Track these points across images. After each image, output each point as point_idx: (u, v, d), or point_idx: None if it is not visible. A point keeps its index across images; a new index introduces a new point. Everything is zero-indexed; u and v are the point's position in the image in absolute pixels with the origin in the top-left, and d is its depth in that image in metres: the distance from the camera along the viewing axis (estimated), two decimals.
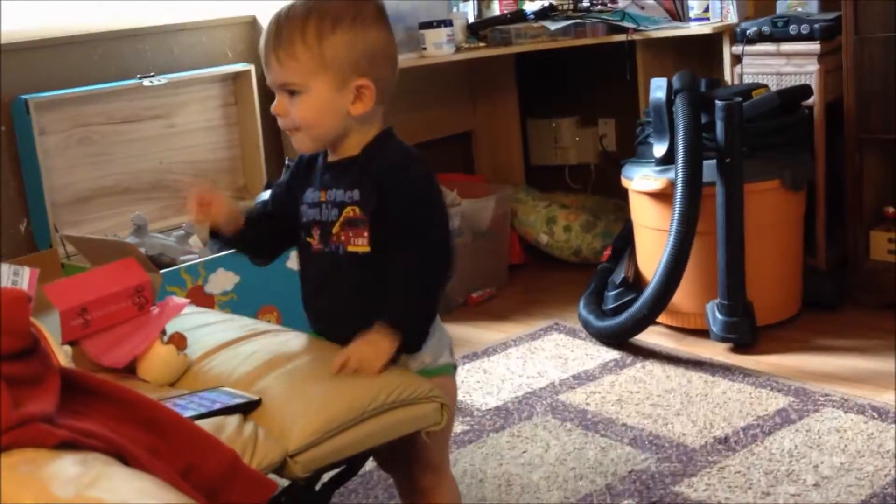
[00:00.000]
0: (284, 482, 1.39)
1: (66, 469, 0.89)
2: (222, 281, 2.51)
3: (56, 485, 0.86)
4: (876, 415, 2.09)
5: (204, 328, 1.72)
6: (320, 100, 1.42)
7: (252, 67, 2.92)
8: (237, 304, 2.51)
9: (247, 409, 1.42)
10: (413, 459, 1.56)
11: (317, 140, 1.47)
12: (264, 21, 3.04)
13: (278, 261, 2.58)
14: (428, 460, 1.56)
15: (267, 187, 2.84)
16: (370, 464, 2.01)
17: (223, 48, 3.01)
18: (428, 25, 2.90)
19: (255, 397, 1.43)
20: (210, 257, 2.53)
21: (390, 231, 1.43)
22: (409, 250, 1.43)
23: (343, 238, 1.45)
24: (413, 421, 1.50)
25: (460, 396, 2.40)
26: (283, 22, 1.42)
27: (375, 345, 1.44)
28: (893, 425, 2.03)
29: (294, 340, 1.63)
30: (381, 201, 1.43)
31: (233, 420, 1.36)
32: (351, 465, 1.54)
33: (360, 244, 1.45)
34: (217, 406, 1.41)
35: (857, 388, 2.24)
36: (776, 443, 2.04)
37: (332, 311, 1.54)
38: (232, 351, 1.60)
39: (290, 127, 1.45)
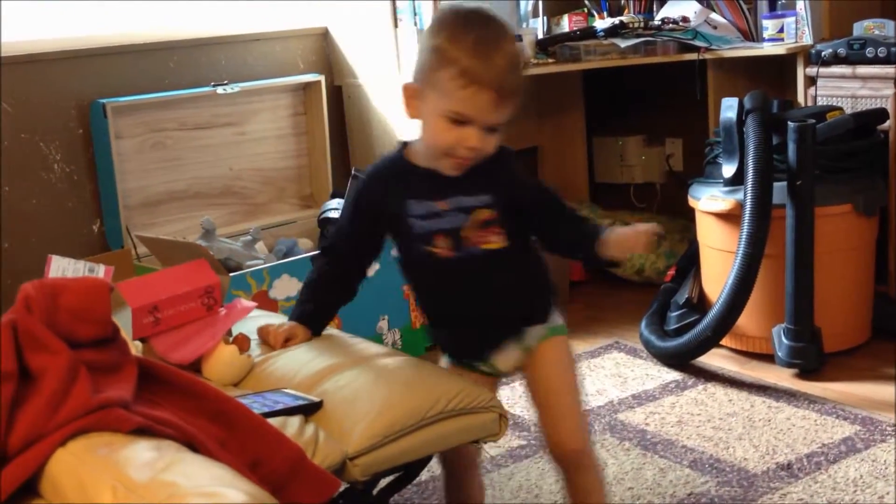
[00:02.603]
0: (343, 485, 1.40)
1: (142, 454, 0.91)
2: (286, 287, 2.54)
3: (132, 468, 0.88)
4: None
5: None
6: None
7: (322, 78, 2.96)
8: None
9: (308, 410, 1.44)
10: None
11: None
12: (336, 32, 3.13)
13: None
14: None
15: (333, 196, 2.87)
16: (426, 473, 2.01)
17: (295, 58, 3.06)
18: None
19: (317, 399, 1.45)
20: (275, 263, 2.57)
21: (522, 219, 1.54)
22: (562, 210, 1.59)
23: (475, 240, 1.51)
24: (472, 430, 1.50)
25: (519, 411, 2.39)
26: (509, 66, 1.43)
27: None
28: None
29: (357, 345, 1.65)
30: (508, 194, 1.52)
31: (294, 421, 1.38)
32: (408, 471, 1.55)
33: (493, 241, 1.52)
34: (279, 407, 1.42)
35: None
36: (841, 472, 1.99)
37: (479, 309, 1.57)
38: (295, 354, 1.62)
39: (473, 157, 1.47)
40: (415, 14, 2.85)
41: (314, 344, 1.65)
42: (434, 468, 2.08)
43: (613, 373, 2.62)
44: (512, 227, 1.53)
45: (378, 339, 2.73)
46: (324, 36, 3.12)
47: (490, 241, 1.52)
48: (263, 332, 1.65)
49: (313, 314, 1.64)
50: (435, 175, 1.50)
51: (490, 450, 2.15)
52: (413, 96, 1.48)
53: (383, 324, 2.75)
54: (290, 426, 1.36)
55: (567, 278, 3.26)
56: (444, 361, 1.67)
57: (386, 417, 1.40)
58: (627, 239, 1.52)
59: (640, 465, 2.09)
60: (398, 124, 2.98)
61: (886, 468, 1.98)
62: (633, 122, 3.58)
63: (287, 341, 1.61)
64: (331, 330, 1.82)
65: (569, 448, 1.60)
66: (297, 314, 1.65)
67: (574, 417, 1.61)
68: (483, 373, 1.64)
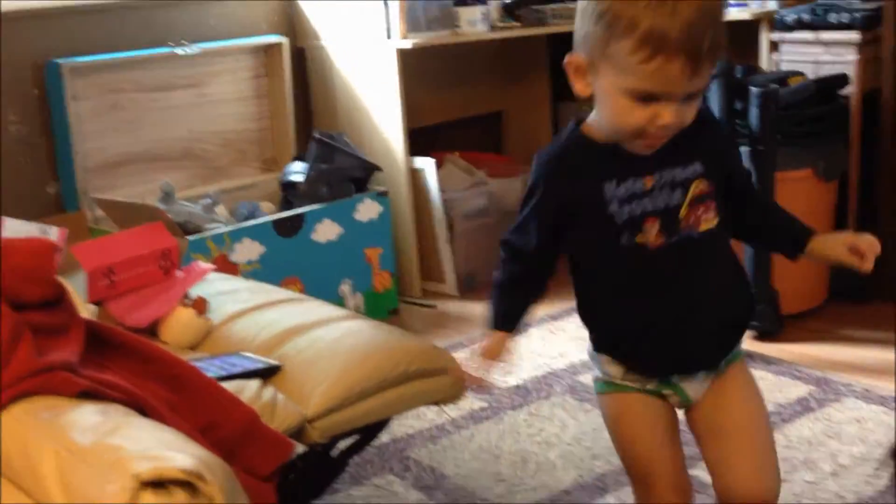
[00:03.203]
0: (301, 448, 1.40)
1: (87, 417, 0.90)
2: (247, 251, 2.53)
3: (76, 431, 0.87)
4: None
5: (227, 294, 1.73)
6: None
7: (285, 40, 2.92)
8: (261, 273, 2.52)
9: (267, 374, 1.43)
10: None
11: None
12: None
13: (301, 233, 2.63)
14: None
15: (296, 159, 2.85)
16: (386, 435, 2.02)
17: (257, 19, 3.01)
18: (462, 3, 2.89)
19: (276, 363, 1.45)
20: (236, 227, 2.54)
21: (727, 191, 1.27)
22: (760, 199, 1.36)
23: (693, 220, 1.22)
24: (432, 393, 1.51)
25: (481, 374, 2.40)
26: (701, 18, 1.11)
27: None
28: None
29: (317, 309, 1.64)
30: (721, 161, 1.26)
31: (252, 384, 1.38)
32: (367, 433, 1.55)
33: (710, 218, 1.23)
34: (237, 370, 1.42)
35: (880, 379, 2.22)
36: (795, 431, 2.02)
37: (706, 308, 1.25)
38: (254, 317, 1.61)
39: (669, 135, 1.19)
40: None
41: (274, 307, 1.64)
42: (395, 430, 2.10)
43: (574, 335, 2.63)
44: (721, 203, 1.25)
45: (340, 302, 2.72)
46: None
47: (707, 219, 1.23)
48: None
49: (510, 314, 1.33)
50: (626, 150, 1.22)
51: (450, 412, 2.16)
52: (581, 72, 1.18)
53: (346, 287, 2.75)
54: (248, 389, 1.36)
55: None
56: (616, 374, 1.31)
57: (345, 380, 1.40)
58: (844, 256, 1.25)
59: (600, 426, 2.07)
60: (362, 87, 2.95)
61: (839, 427, 2.01)
62: None
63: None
64: (292, 293, 1.81)
65: (760, 499, 1.27)
66: (495, 319, 1.33)
67: (771, 460, 1.29)
68: (659, 396, 1.30)
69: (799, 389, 2.21)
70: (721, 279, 1.26)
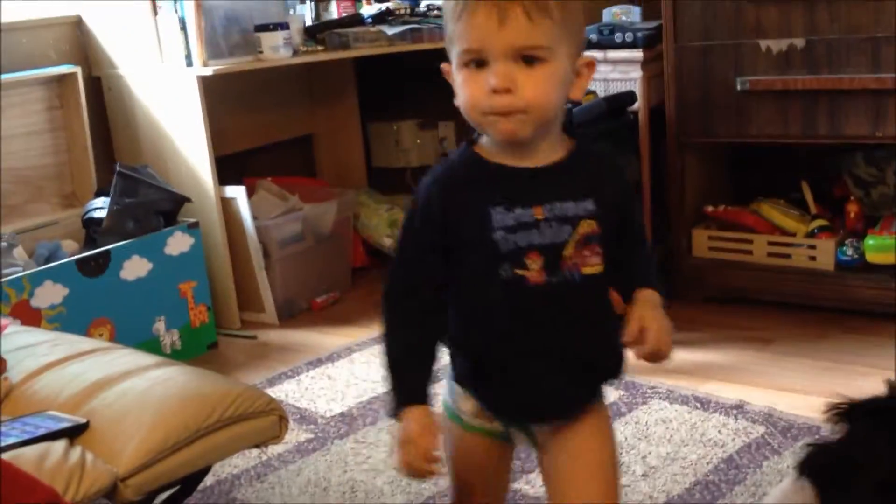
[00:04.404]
0: None
1: None
2: (50, 294, 2.40)
3: None
4: (699, 405, 2.22)
5: (26, 349, 1.65)
6: (560, 73, 1.10)
7: (78, 69, 2.79)
8: (67, 317, 2.41)
9: (74, 433, 1.37)
10: None
11: (538, 128, 1.12)
12: (90, 21, 2.96)
13: (108, 271, 2.52)
14: None
15: (98, 194, 2.73)
16: (210, 478, 1.97)
17: (46, 49, 2.86)
18: (264, 28, 2.86)
19: (82, 420, 1.39)
20: (36, 270, 2.41)
21: (614, 238, 1.19)
22: (643, 243, 1.26)
23: (577, 260, 1.15)
24: (251, 436, 1.49)
25: (305, 404, 2.39)
26: None
27: (662, 312, 1.19)
28: (714, 414, 2.16)
29: (124, 358, 1.59)
30: (614, 208, 1.18)
31: (58, 446, 1.32)
32: (186, 484, 1.51)
33: (594, 263, 1.16)
34: (41, 431, 1.35)
35: (682, 379, 2.37)
36: None
37: (573, 356, 1.19)
38: (58, 372, 1.54)
39: (514, 108, 1.09)
40: (175, 2, 2.75)
41: (79, 359, 1.57)
42: (219, 471, 2.05)
43: None
44: (608, 250, 1.17)
45: (155, 341, 2.63)
46: (77, 25, 2.94)
47: (591, 263, 1.16)
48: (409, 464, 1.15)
49: (419, 383, 1.16)
50: (521, 172, 1.14)
51: (276, 447, 2.14)
52: (449, 74, 1.14)
53: (160, 325, 2.66)
54: (54, 452, 1.29)
55: (349, 265, 3.28)
56: (467, 411, 1.23)
57: (158, 433, 1.36)
58: (630, 332, 1.16)
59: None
60: (164, 116, 2.87)
61: (647, 429, 2.14)
62: (406, 106, 3.63)
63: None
64: (98, 342, 1.74)
65: None
66: (407, 393, 1.17)
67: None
68: (503, 438, 1.25)
69: (609, 395, 2.32)
70: (596, 329, 1.20)
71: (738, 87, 2.56)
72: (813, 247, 2.65)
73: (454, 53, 1.11)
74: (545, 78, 1.08)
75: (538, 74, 1.08)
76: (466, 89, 1.10)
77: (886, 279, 2.52)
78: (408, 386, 1.16)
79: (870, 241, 2.56)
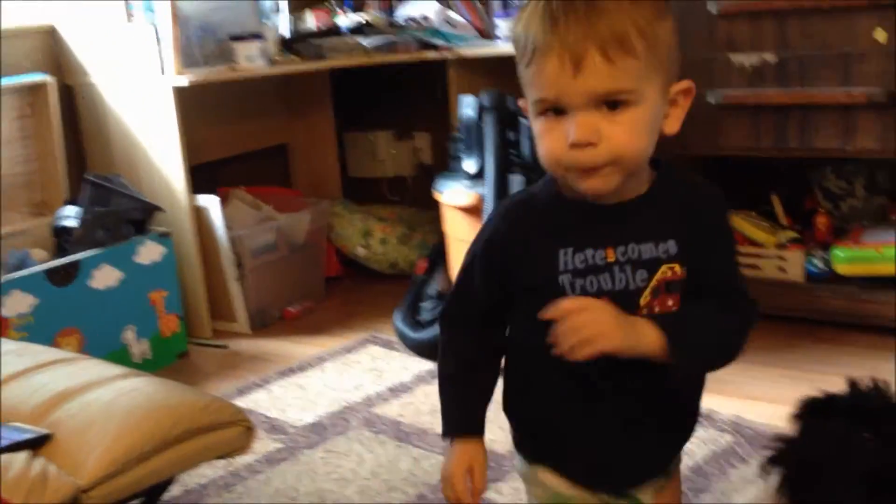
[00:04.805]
0: None
1: None
2: (18, 303, 2.38)
3: None
4: None
5: None
6: (650, 114, 0.97)
7: (50, 78, 2.78)
8: (35, 327, 2.39)
9: (36, 444, 1.36)
10: None
11: (628, 177, 1.00)
12: (64, 30, 2.95)
13: (78, 280, 2.51)
14: None
15: (69, 203, 2.71)
16: (177, 487, 1.96)
17: (18, 58, 2.85)
18: (239, 38, 2.86)
19: (45, 431, 1.38)
20: (5, 278, 2.39)
21: (700, 287, 1.04)
22: (730, 311, 1.05)
23: (655, 309, 1.01)
24: (217, 447, 1.48)
25: (274, 414, 2.38)
26: (589, 13, 0.94)
27: (628, 321, 1.00)
28: None
29: (90, 369, 1.58)
30: (705, 250, 1.03)
31: (20, 457, 1.31)
32: (151, 495, 1.50)
33: (670, 307, 1.03)
34: (3, 443, 1.34)
35: None
36: None
37: (645, 419, 1.07)
38: (22, 383, 1.53)
39: (598, 162, 0.96)
40: (149, 11, 2.74)
41: (44, 370, 1.56)
42: (186, 480, 2.04)
43: (370, 367, 2.66)
44: (688, 298, 1.03)
45: (124, 351, 2.62)
46: (51, 34, 2.92)
47: (667, 309, 1.03)
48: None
49: (471, 411, 1.11)
50: (599, 210, 1.02)
51: (245, 457, 2.13)
52: (526, 111, 1.03)
53: (130, 335, 2.64)
54: (16, 463, 1.28)
55: (322, 275, 3.28)
56: (551, 484, 1.12)
57: (121, 444, 1.35)
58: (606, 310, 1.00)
59: (396, 457, 2.14)
60: (138, 125, 2.86)
61: None
62: (383, 117, 3.63)
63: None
64: (64, 352, 1.73)
65: None
66: (455, 423, 1.12)
67: None
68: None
69: None
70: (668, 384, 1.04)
71: (712, 101, 2.58)
72: (783, 258, 2.67)
73: (529, 99, 1.00)
74: (633, 123, 0.96)
75: (625, 120, 0.95)
76: (545, 141, 0.99)
77: (855, 290, 2.55)
78: (455, 414, 1.11)
79: (839, 253, 2.58)
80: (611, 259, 1.01)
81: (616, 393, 1.05)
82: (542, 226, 1.04)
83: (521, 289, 1.05)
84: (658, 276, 1.01)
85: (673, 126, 1.02)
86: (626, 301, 1.01)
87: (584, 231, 1.02)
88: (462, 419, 1.10)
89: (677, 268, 1.01)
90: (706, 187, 1.07)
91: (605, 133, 0.95)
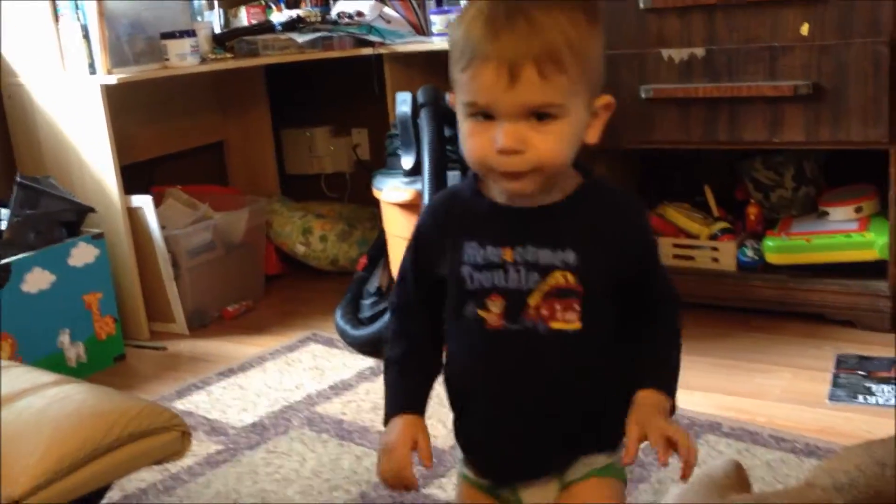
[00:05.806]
0: None
1: None
2: None
3: None
4: None
5: None
6: (574, 126, 1.04)
7: None
8: None
9: None
10: None
11: (548, 183, 1.06)
12: None
13: (9, 285, 2.46)
14: None
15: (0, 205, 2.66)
16: (117, 492, 1.94)
17: None
18: (170, 36, 2.82)
19: None
20: None
21: (614, 296, 1.10)
22: (665, 309, 1.16)
23: (545, 312, 1.08)
24: (153, 452, 1.47)
25: (214, 415, 2.36)
26: (531, 10, 0.99)
27: (649, 410, 1.09)
28: None
29: (23, 376, 1.55)
30: (608, 262, 1.09)
31: None
32: (88, 502, 1.48)
33: (569, 320, 1.08)
34: None
35: None
36: None
37: (525, 412, 1.12)
38: None
39: (523, 168, 1.02)
40: (77, 9, 2.69)
41: None
42: (125, 485, 2.01)
43: (311, 365, 2.65)
44: (598, 308, 1.09)
45: (60, 355, 2.57)
46: None
47: (564, 319, 1.08)
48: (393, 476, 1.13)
49: (414, 393, 1.16)
50: (509, 212, 1.09)
51: (185, 459, 2.11)
52: (454, 105, 1.07)
53: (65, 338, 2.60)
54: None
55: (261, 273, 3.25)
56: (462, 475, 1.20)
57: (54, 453, 1.33)
58: (654, 443, 1.07)
59: (338, 456, 2.14)
60: (68, 126, 2.80)
61: None
62: (320, 113, 3.62)
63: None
64: None
65: None
66: (393, 404, 1.16)
67: None
68: (496, 497, 1.18)
69: None
70: (566, 388, 1.10)
71: (643, 96, 2.62)
72: (715, 248, 2.73)
73: (459, 100, 1.04)
74: (558, 135, 1.02)
75: (551, 131, 1.01)
76: (472, 142, 1.03)
77: (784, 279, 2.62)
78: (398, 396, 1.15)
79: (769, 243, 2.65)
80: (508, 258, 1.08)
81: (514, 383, 1.11)
82: (459, 220, 1.12)
83: (442, 277, 1.13)
84: (550, 280, 1.07)
85: (593, 136, 1.08)
86: (515, 300, 1.08)
87: (490, 229, 1.09)
88: (405, 400, 1.14)
89: (570, 277, 1.07)
90: (622, 196, 1.14)
91: (531, 142, 1.01)
